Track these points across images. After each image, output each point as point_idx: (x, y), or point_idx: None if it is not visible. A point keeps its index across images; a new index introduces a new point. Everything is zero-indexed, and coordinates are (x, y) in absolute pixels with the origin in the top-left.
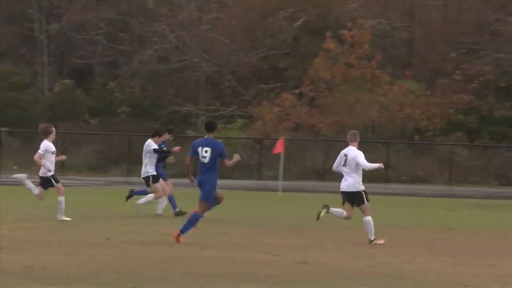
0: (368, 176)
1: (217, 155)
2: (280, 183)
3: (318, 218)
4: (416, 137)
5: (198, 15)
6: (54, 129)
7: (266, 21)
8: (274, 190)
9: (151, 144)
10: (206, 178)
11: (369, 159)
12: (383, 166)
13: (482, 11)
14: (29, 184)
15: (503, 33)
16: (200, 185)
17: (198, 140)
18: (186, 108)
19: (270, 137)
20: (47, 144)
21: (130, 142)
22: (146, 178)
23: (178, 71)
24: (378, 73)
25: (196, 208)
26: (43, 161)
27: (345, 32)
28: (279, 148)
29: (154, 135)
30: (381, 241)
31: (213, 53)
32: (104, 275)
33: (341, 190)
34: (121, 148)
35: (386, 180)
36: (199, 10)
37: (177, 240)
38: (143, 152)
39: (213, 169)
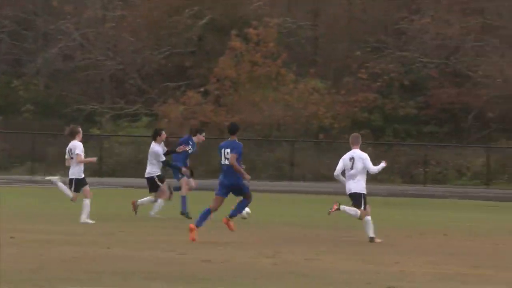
0: (274, 174)
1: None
2: None
3: (329, 213)
4: (321, 135)
5: (103, 13)
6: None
7: (171, 19)
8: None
9: (154, 148)
10: (228, 178)
11: (274, 158)
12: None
13: (387, 10)
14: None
15: (407, 31)
16: (221, 184)
17: (222, 142)
18: (91, 106)
19: (176, 136)
20: (79, 145)
21: (34, 141)
22: (150, 179)
23: (83, 69)
24: (283, 71)
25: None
26: (86, 159)
27: (251, 30)
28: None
29: (154, 136)
30: (379, 240)
31: (117, 51)
32: (7, 274)
33: (348, 192)
34: (25, 146)
35: (291, 178)
36: (104, 8)
37: (191, 234)
38: (149, 154)
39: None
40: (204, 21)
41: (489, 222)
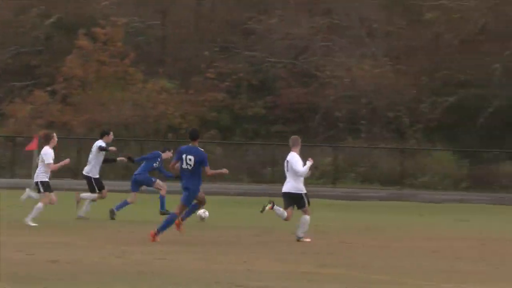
0: (123, 174)
1: (198, 162)
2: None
3: (262, 211)
4: (170, 135)
5: None
6: (55, 134)
7: (18, 18)
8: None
9: (98, 143)
10: (190, 183)
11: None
12: (312, 162)
13: (235, 10)
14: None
15: (255, 31)
16: (184, 188)
17: (183, 146)
18: None
19: (23, 135)
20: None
21: None
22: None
23: None
24: (131, 71)
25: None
26: (57, 165)
27: (98, 29)
28: (33, 145)
29: (101, 136)
30: (308, 239)
31: None
32: None
33: (282, 191)
34: None
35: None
36: None
37: (153, 239)
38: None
39: (197, 175)
40: (51, 20)
41: (337, 220)
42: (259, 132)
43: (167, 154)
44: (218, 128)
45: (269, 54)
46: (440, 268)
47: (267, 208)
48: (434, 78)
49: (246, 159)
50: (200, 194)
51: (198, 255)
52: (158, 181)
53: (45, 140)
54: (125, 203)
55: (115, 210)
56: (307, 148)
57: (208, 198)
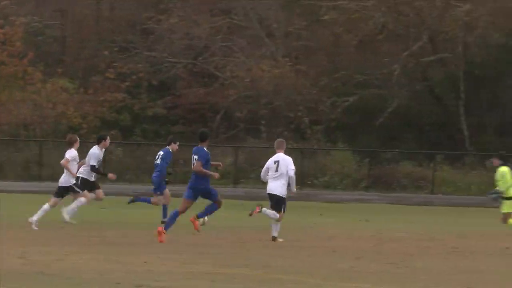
0: (22, 174)
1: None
2: None
3: (250, 214)
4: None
5: None
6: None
7: None
8: None
9: (93, 150)
10: (197, 183)
11: (22, 158)
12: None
13: (134, 10)
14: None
15: (154, 31)
16: (190, 187)
17: (194, 148)
18: None
19: None
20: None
21: None
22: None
23: None
24: (30, 70)
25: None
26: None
27: None
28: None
29: (98, 141)
30: (281, 240)
31: None
32: None
33: (268, 192)
34: None
35: (40, 178)
36: None
37: (160, 236)
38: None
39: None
40: None
41: (238, 220)
42: (160, 132)
43: (173, 146)
44: (118, 128)
45: (169, 54)
46: (340, 268)
47: (255, 212)
48: (334, 78)
49: (146, 159)
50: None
51: (98, 256)
52: (165, 191)
53: (69, 144)
54: (147, 200)
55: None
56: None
57: (109, 199)
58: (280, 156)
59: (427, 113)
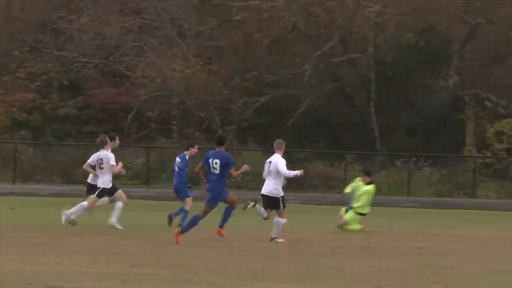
0: None
1: (223, 165)
2: None
3: (244, 208)
4: None
5: None
6: (108, 139)
7: None
8: None
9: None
10: (215, 186)
11: None
12: (302, 174)
13: (45, 9)
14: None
15: (65, 31)
16: (209, 190)
17: (210, 152)
18: None
19: None
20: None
21: None
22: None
23: None
24: None
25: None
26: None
27: None
28: None
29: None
30: (281, 240)
31: None
32: None
33: (261, 193)
34: None
35: None
36: None
37: (176, 238)
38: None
39: (222, 178)
40: None
41: (151, 221)
42: (70, 132)
43: (191, 151)
44: (29, 129)
45: (80, 54)
46: (252, 268)
47: (249, 206)
48: (245, 78)
49: (57, 160)
50: (230, 196)
51: (9, 256)
52: (189, 198)
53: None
54: (183, 211)
55: (173, 216)
56: (119, 149)
57: (18, 199)
58: (274, 157)
59: (339, 113)
